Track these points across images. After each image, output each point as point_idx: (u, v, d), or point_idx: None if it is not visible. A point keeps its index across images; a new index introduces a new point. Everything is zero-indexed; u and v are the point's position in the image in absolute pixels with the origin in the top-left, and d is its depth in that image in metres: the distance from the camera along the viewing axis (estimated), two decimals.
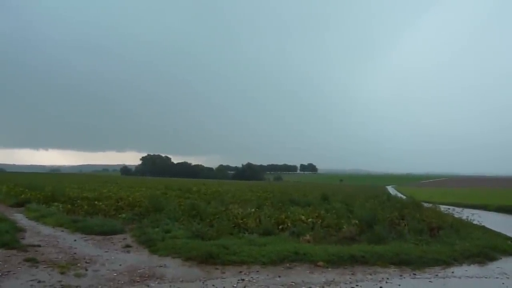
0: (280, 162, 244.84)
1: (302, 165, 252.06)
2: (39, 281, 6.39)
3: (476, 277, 7.79)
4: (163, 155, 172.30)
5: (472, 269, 8.39)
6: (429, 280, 7.38)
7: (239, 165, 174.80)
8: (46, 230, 11.66)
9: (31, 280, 6.42)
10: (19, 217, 14.15)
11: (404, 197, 30.34)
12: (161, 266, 7.78)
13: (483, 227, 14.47)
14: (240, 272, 7.46)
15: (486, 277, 7.77)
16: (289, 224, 12.10)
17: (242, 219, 12.54)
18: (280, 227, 11.85)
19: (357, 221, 12.39)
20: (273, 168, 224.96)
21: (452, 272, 8.00)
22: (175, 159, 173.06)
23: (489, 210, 24.97)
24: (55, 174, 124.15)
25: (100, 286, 6.32)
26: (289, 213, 14.33)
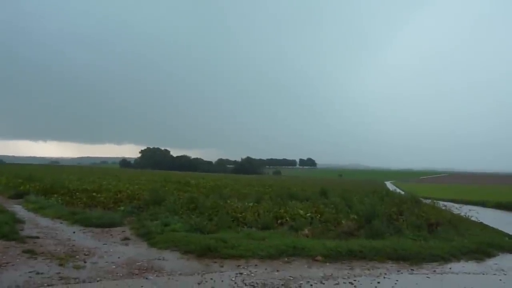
0: (279, 156, 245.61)
1: (301, 160, 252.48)
2: (37, 273, 6.39)
3: (474, 273, 7.80)
4: (162, 148, 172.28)
5: (470, 265, 8.40)
6: (427, 275, 7.39)
7: (238, 159, 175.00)
8: (44, 222, 11.67)
9: (30, 272, 6.42)
10: (18, 209, 14.14)
11: (403, 192, 30.38)
12: (160, 259, 7.78)
13: (481, 224, 14.51)
14: (239, 266, 7.47)
15: (483, 274, 7.78)
16: (287, 219, 12.12)
17: (241, 213, 12.56)
18: (279, 221, 11.87)
19: (355, 216, 12.39)
20: (272, 162, 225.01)
21: (450, 268, 8.02)
22: (175, 153, 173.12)
23: (488, 206, 24.98)
24: (54, 166, 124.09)
25: (98, 278, 6.32)
26: (287, 207, 14.33)
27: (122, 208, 13.94)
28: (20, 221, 11.26)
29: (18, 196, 18.07)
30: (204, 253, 8.10)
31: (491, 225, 14.48)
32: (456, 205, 22.02)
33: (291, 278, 6.82)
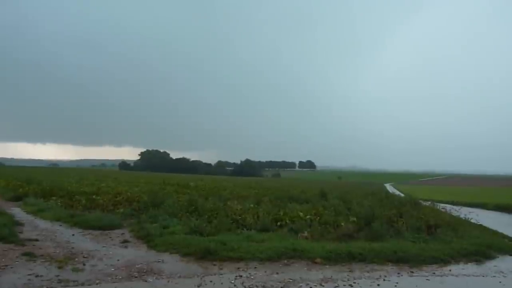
0: (278, 158, 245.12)
1: (300, 162, 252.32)
2: (36, 276, 6.39)
3: (473, 275, 7.80)
4: (161, 151, 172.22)
5: (469, 268, 8.40)
6: (427, 278, 7.39)
7: (238, 161, 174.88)
8: (43, 224, 11.66)
9: (29, 275, 6.42)
10: (17, 211, 14.14)
11: (402, 194, 30.41)
12: (159, 261, 7.78)
13: (481, 226, 14.50)
14: (238, 268, 7.46)
15: (483, 276, 7.78)
16: (287, 221, 12.10)
17: (240, 215, 12.55)
18: (278, 223, 11.85)
19: (355, 219, 12.39)
20: (271, 164, 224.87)
21: (450, 270, 8.01)
22: (174, 155, 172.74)
23: (487, 208, 25.00)
24: (53, 168, 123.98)
25: (97, 281, 6.32)
26: (287, 209, 14.32)
27: (121, 210, 13.93)
28: (19, 224, 11.25)
29: (17, 198, 18.07)
30: (204, 255, 8.08)
31: (490, 227, 14.47)
32: (455, 207, 22.09)
33: (291, 280, 6.82)
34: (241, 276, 6.96)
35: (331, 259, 8.23)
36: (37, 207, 14.48)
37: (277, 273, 7.26)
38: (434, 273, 7.75)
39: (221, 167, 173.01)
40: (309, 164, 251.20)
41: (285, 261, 8.08)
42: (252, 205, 15.18)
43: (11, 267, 6.81)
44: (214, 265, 7.65)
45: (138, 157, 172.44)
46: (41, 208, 14.19)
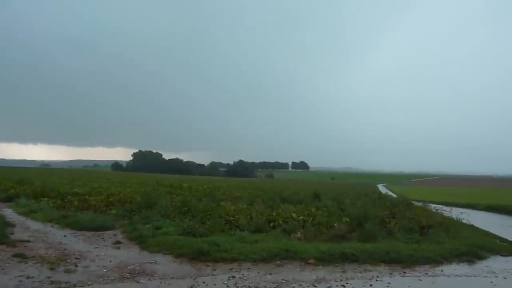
0: (271, 159, 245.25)
1: (293, 163, 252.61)
2: (28, 277, 6.33)
3: (465, 275, 7.86)
4: (154, 151, 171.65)
5: (461, 268, 8.47)
6: (419, 278, 7.44)
7: (231, 162, 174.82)
8: (35, 225, 11.56)
9: (20, 276, 6.36)
10: (8, 212, 14.01)
11: (395, 195, 30.57)
12: (152, 262, 7.74)
13: (472, 226, 14.62)
14: (231, 269, 7.45)
15: (474, 276, 7.84)
16: (280, 222, 12.11)
17: (233, 216, 12.54)
18: (271, 224, 11.86)
19: (348, 219, 12.44)
20: (264, 165, 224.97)
21: (442, 271, 8.07)
22: (167, 156, 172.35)
23: (478, 209, 25.22)
24: (45, 169, 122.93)
25: (90, 282, 6.27)
26: (280, 210, 14.35)
27: (114, 211, 13.86)
28: (11, 225, 11.15)
29: (9, 199, 17.91)
30: (197, 256, 8.07)
31: (481, 228, 14.61)
32: (447, 208, 22.26)
33: (284, 281, 6.82)
34: (234, 277, 6.95)
35: (324, 259, 8.26)
36: (28, 208, 14.35)
37: (270, 274, 7.26)
38: (426, 273, 7.80)
39: (214, 168, 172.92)
40: (302, 165, 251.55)
41: (278, 262, 8.08)
42: (245, 206, 15.18)
43: (2, 269, 6.73)
44: (207, 266, 7.64)
45: (131, 158, 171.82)
46: (33, 209, 14.07)
